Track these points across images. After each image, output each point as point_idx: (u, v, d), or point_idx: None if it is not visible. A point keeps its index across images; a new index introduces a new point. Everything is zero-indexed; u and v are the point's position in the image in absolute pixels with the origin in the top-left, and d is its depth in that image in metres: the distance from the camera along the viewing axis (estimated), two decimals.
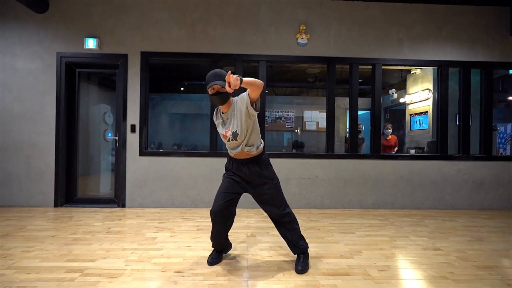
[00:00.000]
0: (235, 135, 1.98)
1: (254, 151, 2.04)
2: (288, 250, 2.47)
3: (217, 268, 2.11)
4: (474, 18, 4.23)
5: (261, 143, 2.11)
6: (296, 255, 2.19)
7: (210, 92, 1.92)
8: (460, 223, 3.45)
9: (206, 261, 2.20)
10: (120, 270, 2.04)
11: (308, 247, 2.20)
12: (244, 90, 1.90)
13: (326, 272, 2.07)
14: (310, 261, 2.24)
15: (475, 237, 2.91)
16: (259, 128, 2.10)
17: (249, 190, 2.12)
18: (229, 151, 2.13)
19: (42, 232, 2.85)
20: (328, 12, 4.11)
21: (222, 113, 2.07)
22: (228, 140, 2.03)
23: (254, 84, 1.80)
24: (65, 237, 2.72)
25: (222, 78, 1.88)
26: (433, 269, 2.14)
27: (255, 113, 1.96)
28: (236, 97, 2.03)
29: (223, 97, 1.94)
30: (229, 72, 1.71)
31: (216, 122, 2.13)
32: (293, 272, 2.06)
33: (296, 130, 7.14)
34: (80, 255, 2.30)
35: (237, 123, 1.97)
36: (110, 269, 2.06)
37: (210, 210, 2.07)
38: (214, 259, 2.20)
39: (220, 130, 2.08)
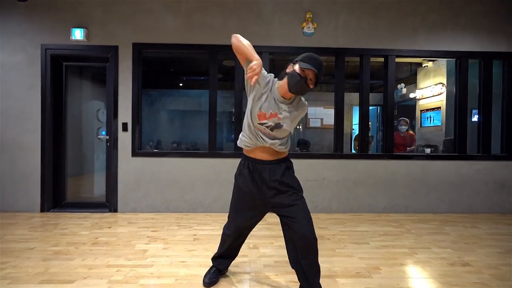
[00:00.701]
0: (277, 126, 1.59)
1: (283, 150, 1.68)
2: (286, 266, 2.16)
3: None
4: (495, 5, 3.87)
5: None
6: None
7: (299, 71, 1.51)
8: (484, 230, 3.13)
9: (202, 282, 1.90)
10: None
11: None
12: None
13: None
14: (322, 281, 1.93)
15: (504, 248, 2.59)
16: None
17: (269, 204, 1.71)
18: (246, 141, 1.68)
19: (21, 244, 2.56)
20: None
21: (279, 94, 1.61)
22: (263, 124, 1.59)
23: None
24: (44, 250, 2.42)
25: (321, 72, 1.54)
26: None
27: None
28: (303, 99, 1.70)
29: (305, 88, 1.54)
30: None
31: (263, 91, 1.59)
32: None
33: (298, 127, 6.81)
34: (57, 273, 2.00)
35: (294, 115, 1.63)
36: None
37: (227, 228, 1.83)
38: (212, 279, 1.90)
39: (256, 104, 1.59)
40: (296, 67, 1.54)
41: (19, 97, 3.63)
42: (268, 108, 1.58)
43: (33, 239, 2.68)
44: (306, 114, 6.55)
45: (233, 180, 1.84)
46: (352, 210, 3.80)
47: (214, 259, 1.99)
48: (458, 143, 3.90)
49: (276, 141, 1.63)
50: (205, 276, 1.93)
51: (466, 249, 2.57)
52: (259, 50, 3.67)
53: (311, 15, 3.71)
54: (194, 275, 2.02)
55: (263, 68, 1.57)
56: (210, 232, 2.94)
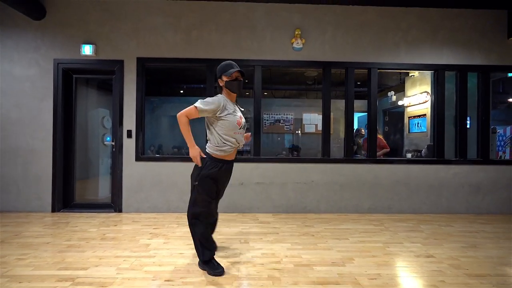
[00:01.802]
0: (244, 126, 2.22)
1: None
2: (280, 257, 2.48)
3: (208, 276, 2.12)
4: (470, 21, 4.21)
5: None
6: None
7: (227, 79, 2.11)
8: (456, 228, 3.44)
9: (219, 273, 2.12)
10: (111, 279, 2.05)
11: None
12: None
13: (316, 280, 2.07)
14: (301, 268, 2.25)
15: (469, 243, 2.90)
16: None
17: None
18: (227, 149, 2.15)
19: (38, 239, 2.88)
20: (324, 16, 4.11)
21: (231, 102, 2.18)
22: (241, 128, 2.17)
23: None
24: (59, 244, 2.74)
25: (238, 67, 2.16)
26: (424, 278, 2.14)
27: None
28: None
29: (240, 85, 2.16)
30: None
31: (226, 109, 2.10)
32: (283, 281, 2.06)
33: (297, 132, 7.14)
34: (72, 263, 2.32)
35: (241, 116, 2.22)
36: (101, 277, 2.07)
37: (200, 213, 2.18)
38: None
39: (232, 118, 2.11)
40: (225, 78, 2.12)
41: (32, 107, 3.97)
42: (236, 116, 2.15)
43: (48, 235, 3.00)
44: (301, 119, 6.89)
45: (228, 183, 2.38)
46: (339, 211, 4.10)
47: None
48: (436, 149, 4.21)
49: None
50: (217, 266, 2.15)
51: (434, 244, 2.87)
52: (252, 63, 4.04)
53: (299, 32, 4.06)
54: (190, 263, 2.33)
55: (220, 101, 2.09)
56: None
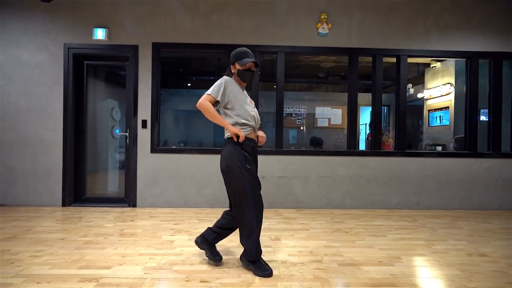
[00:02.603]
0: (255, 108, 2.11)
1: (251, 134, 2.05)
2: (320, 255, 2.26)
3: (246, 277, 1.90)
4: (506, 6, 3.96)
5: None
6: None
7: (241, 68, 1.98)
8: (496, 225, 3.21)
9: (268, 274, 1.89)
10: (139, 279, 1.83)
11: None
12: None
13: (369, 282, 1.85)
14: (347, 268, 2.03)
15: None
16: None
17: None
18: (248, 124, 2.00)
19: (51, 234, 2.66)
20: (351, 0, 3.86)
21: (241, 86, 2.08)
22: (254, 107, 2.10)
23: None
24: (75, 240, 2.52)
25: (253, 57, 2.04)
26: (488, 279, 1.92)
27: None
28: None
29: (253, 76, 2.07)
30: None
31: (235, 90, 1.98)
32: (332, 282, 1.84)
33: (301, 128, 6.92)
34: (93, 261, 2.10)
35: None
36: (128, 277, 1.85)
37: (259, 207, 1.92)
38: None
39: (244, 97, 2.03)
40: (238, 66, 1.99)
41: (42, 94, 3.74)
42: (246, 96, 2.06)
43: (61, 231, 2.78)
44: (314, 114, 6.66)
45: None
46: (365, 206, 3.88)
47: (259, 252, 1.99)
48: (468, 141, 3.98)
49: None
50: (266, 266, 1.95)
51: (481, 242, 2.65)
52: (274, 49, 3.79)
53: (325, 16, 3.82)
54: (224, 262, 2.11)
55: (222, 82, 1.96)
56: None
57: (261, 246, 1.99)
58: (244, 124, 1.98)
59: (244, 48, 2.04)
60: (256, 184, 1.96)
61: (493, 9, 3.95)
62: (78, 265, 2.02)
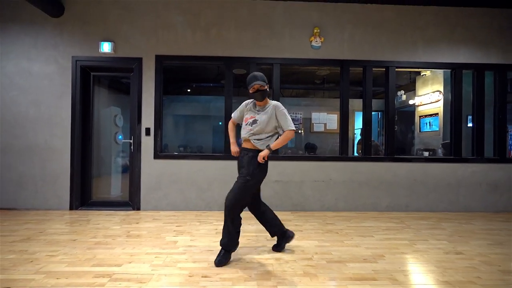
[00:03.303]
0: (254, 121, 2.36)
1: (258, 146, 2.35)
2: (311, 253, 2.48)
3: (243, 273, 2.11)
4: (487, 20, 4.22)
5: (269, 146, 2.34)
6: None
7: (251, 91, 2.34)
8: (478, 226, 3.44)
9: (214, 262, 2.24)
10: (148, 275, 2.05)
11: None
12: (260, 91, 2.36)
13: (353, 277, 2.07)
14: (334, 265, 2.25)
15: (495, 241, 2.90)
16: (277, 138, 2.43)
17: None
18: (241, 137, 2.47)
19: (63, 236, 2.87)
20: (342, 14, 4.12)
21: (255, 106, 2.45)
22: (247, 124, 2.41)
23: (283, 144, 2.35)
24: (86, 241, 2.73)
25: (259, 79, 2.35)
26: (459, 274, 2.14)
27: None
28: (276, 102, 2.42)
29: (262, 94, 2.35)
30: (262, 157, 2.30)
31: (244, 109, 2.49)
32: (320, 276, 2.06)
33: (299, 131, 7.14)
34: (105, 259, 2.31)
35: (265, 118, 2.34)
36: (137, 273, 2.07)
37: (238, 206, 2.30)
38: (222, 260, 2.24)
39: (245, 115, 2.46)
40: (249, 90, 2.37)
41: (50, 104, 3.96)
42: (249, 114, 2.45)
43: (72, 232, 2.99)
44: (310, 119, 6.90)
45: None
46: (357, 209, 4.11)
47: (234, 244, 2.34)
48: (454, 147, 4.22)
49: (252, 135, 2.36)
50: (217, 257, 2.29)
51: (460, 241, 2.87)
52: (271, 61, 4.04)
53: (318, 30, 4.06)
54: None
55: (240, 106, 2.55)
56: None
57: (258, 246, 2.21)
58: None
59: (251, 74, 2.38)
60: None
61: (475, 22, 4.21)
62: (91, 263, 2.23)
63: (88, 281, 1.95)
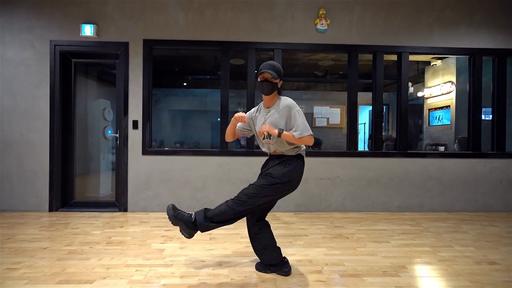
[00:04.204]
0: (268, 135, 1.91)
1: (288, 153, 1.90)
2: (320, 265, 2.11)
3: None
4: (509, 2, 3.83)
5: (282, 130, 1.83)
6: None
7: (259, 79, 1.89)
8: (503, 228, 3.08)
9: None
10: None
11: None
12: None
13: None
14: (349, 280, 1.88)
15: None
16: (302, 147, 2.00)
17: None
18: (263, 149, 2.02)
19: (33, 243, 2.49)
20: None
21: (265, 107, 1.98)
22: (264, 138, 1.94)
23: (295, 142, 1.84)
24: (59, 250, 2.35)
25: (272, 69, 1.87)
26: None
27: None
28: (290, 101, 1.90)
29: (269, 87, 1.88)
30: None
31: (253, 118, 2.03)
32: None
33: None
34: (75, 274, 1.93)
35: (272, 120, 1.89)
36: None
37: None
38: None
39: (257, 126, 1.98)
40: (258, 78, 1.92)
41: (27, 94, 3.56)
42: (259, 123, 1.95)
43: (45, 239, 2.61)
44: (312, 113, 6.52)
45: (246, 179, 1.87)
46: (366, 209, 3.74)
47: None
48: (472, 141, 3.85)
49: (272, 146, 1.91)
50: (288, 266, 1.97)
51: (488, 248, 2.51)
52: (272, 47, 3.65)
53: (324, 12, 3.67)
54: (216, 274, 1.95)
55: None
56: (226, 231, 2.87)
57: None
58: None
59: (268, 62, 1.93)
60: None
61: (496, 4, 3.82)
62: (57, 279, 1.85)
63: None
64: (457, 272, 2.04)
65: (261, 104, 2.03)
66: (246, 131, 2.11)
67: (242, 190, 1.88)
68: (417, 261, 2.21)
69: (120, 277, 1.89)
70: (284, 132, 1.81)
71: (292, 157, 1.89)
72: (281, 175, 1.83)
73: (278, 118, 1.86)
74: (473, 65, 3.86)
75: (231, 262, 2.16)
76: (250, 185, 1.89)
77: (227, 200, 1.88)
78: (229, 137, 2.10)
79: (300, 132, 1.79)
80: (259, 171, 2.03)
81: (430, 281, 1.90)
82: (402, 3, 3.75)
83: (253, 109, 2.08)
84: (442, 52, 3.87)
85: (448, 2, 3.78)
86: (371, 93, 3.91)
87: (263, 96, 1.95)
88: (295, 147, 1.90)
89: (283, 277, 1.93)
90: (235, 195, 1.89)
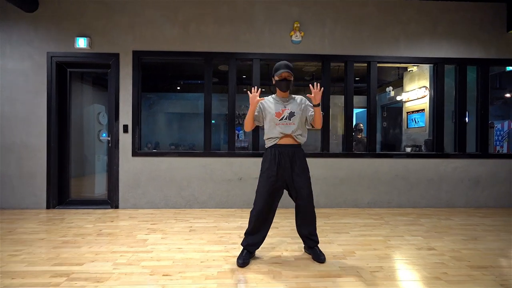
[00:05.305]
0: (291, 114, 2.23)
1: (300, 141, 2.29)
2: (280, 251, 2.44)
3: (207, 271, 2.07)
4: (469, 15, 4.18)
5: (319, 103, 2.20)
6: (311, 247, 2.33)
7: (277, 78, 2.23)
8: (456, 221, 3.42)
9: (236, 263, 2.17)
10: (107, 274, 2.00)
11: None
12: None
13: (318, 274, 2.04)
14: (301, 262, 2.22)
15: (470, 236, 2.88)
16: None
17: (287, 180, 2.28)
18: (273, 137, 2.25)
19: (32, 235, 2.81)
20: (323, 9, 4.06)
21: (277, 98, 2.31)
22: (281, 119, 2.22)
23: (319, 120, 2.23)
24: (54, 240, 2.68)
25: (289, 68, 2.22)
26: (427, 270, 2.11)
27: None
28: (299, 96, 2.35)
29: (288, 84, 2.24)
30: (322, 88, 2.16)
31: (266, 107, 2.28)
32: (284, 274, 2.02)
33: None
34: (68, 258, 2.26)
35: (299, 110, 2.25)
36: (97, 273, 2.02)
37: (253, 210, 2.26)
38: (245, 260, 2.18)
39: (272, 110, 2.25)
40: (276, 78, 2.26)
41: (26, 101, 3.89)
42: (278, 108, 2.26)
43: (43, 232, 2.94)
44: None
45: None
46: (338, 205, 4.07)
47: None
48: (436, 143, 4.19)
49: (296, 130, 2.25)
50: (239, 257, 2.21)
51: (435, 237, 2.85)
52: (251, 57, 3.98)
53: (298, 25, 4.01)
54: (189, 258, 2.28)
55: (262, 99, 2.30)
56: (205, 224, 3.21)
57: (228, 243, 2.17)
58: (268, 139, 2.30)
59: (281, 62, 2.27)
60: (262, 186, 2.31)
61: (457, 17, 4.17)
62: (52, 262, 2.18)
63: (44, 281, 1.90)
64: (397, 255, 2.38)
65: (272, 96, 2.34)
66: (257, 122, 2.34)
67: (306, 191, 2.31)
68: (366, 248, 2.54)
69: (106, 261, 2.22)
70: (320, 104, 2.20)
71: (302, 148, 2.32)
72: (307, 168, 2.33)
73: (297, 106, 2.26)
74: (436, 73, 4.21)
75: (204, 249, 2.48)
76: (306, 184, 2.31)
77: (309, 206, 2.36)
78: (248, 126, 2.32)
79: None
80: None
81: (370, 263, 2.23)
82: (370, 16, 4.10)
83: (266, 100, 2.33)
84: (408, 61, 4.22)
85: (412, 16, 4.14)
86: (363, 96, 4.22)
87: (278, 92, 2.30)
88: (304, 140, 2.32)
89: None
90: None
